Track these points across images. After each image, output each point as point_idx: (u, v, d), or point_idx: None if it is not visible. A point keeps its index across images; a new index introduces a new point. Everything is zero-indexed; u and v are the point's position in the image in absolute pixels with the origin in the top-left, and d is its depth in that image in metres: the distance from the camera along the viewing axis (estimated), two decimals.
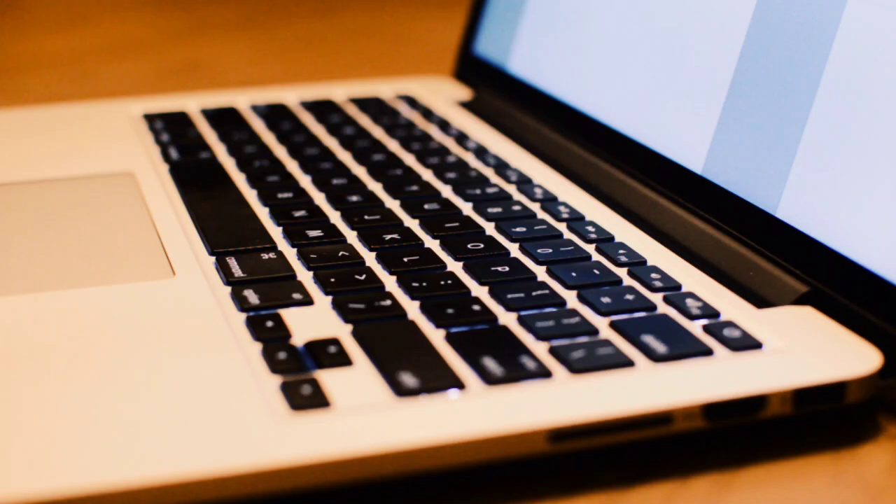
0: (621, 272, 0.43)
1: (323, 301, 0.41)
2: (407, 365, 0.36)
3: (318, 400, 0.34)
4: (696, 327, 0.39)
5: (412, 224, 0.48)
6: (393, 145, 0.58)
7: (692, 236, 0.47)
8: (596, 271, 0.43)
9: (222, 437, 0.33)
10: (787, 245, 0.43)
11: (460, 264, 0.44)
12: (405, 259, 0.43)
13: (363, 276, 0.42)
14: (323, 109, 0.64)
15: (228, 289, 0.42)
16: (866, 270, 0.40)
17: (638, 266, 0.44)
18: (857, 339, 0.38)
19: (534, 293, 0.41)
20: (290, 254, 0.44)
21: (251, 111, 0.64)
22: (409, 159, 0.56)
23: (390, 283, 0.42)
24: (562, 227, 0.48)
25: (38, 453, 0.32)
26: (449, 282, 0.42)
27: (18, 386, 0.35)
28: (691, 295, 0.41)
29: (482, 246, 0.45)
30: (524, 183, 0.53)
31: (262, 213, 0.49)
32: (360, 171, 0.54)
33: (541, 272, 0.43)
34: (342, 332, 0.38)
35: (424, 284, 0.41)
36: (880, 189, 0.40)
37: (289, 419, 0.34)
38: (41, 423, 0.33)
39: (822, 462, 0.36)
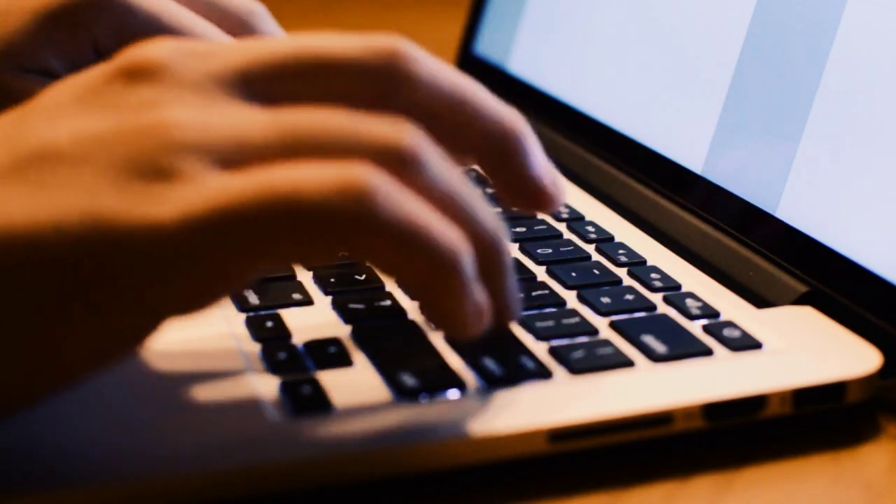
0: (621, 272, 0.43)
1: (323, 301, 0.41)
2: (407, 365, 0.36)
3: (318, 400, 0.34)
4: (695, 327, 0.39)
5: None
6: None
7: (692, 236, 0.47)
8: (596, 271, 0.43)
9: (222, 438, 0.33)
10: (787, 245, 0.43)
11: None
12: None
13: (363, 277, 0.42)
14: None
15: None
16: (866, 270, 0.40)
17: (638, 266, 0.44)
18: (857, 339, 0.38)
19: (534, 293, 0.41)
20: None
21: None
22: None
23: (390, 283, 0.42)
24: (562, 227, 0.48)
25: (40, 455, 0.32)
26: None
27: None
28: (691, 295, 0.41)
29: None
30: None
31: None
32: None
33: (541, 272, 0.43)
34: (342, 332, 0.38)
35: None
36: (880, 189, 0.40)
37: (289, 419, 0.34)
38: (41, 424, 0.33)
39: (822, 462, 0.36)
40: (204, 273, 0.29)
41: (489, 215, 0.33)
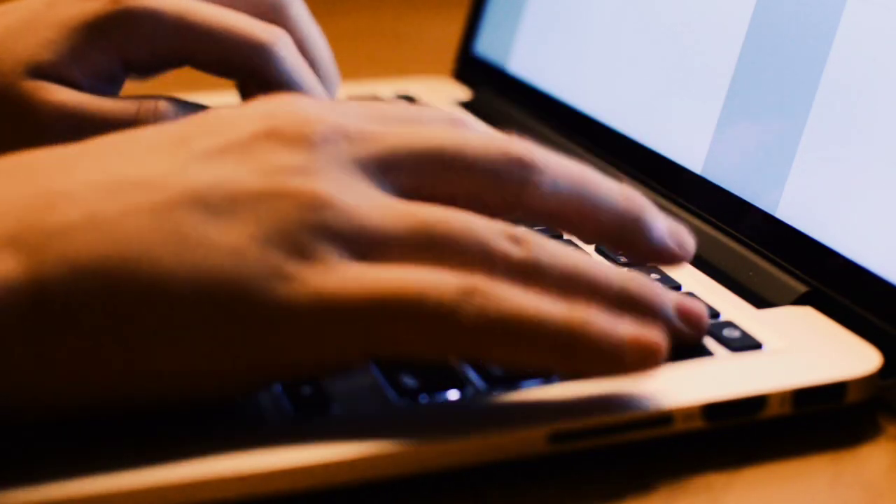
0: None
1: None
2: (407, 365, 0.36)
3: (318, 401, 0.34)
4: None
5: None
6: None
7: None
8: None
9: (222, 439, 0.33)
10: (787, 245, 0.43)
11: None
12: None
13: None
14: None
15: None
16: (866, 270, 0.40)
17: (637, 266, 0.44)
18: (857, 339, 0.38)
19: None
20: None
21: None
22: None
23: None
24: None
25: (44, 456, 0.32)
26: None
27: None
28: (691, 295, 0.41)
29: None
30: None
31: None
32: None
33: None
34: None
35: None
36: (880, 189, 0.40)
37: (289, 421, 0.34)
38: (46, 426, 0.33)
39: (822, 462, 0.36)
40: (318, 352, 0.32)
41: (610, 268, 0.35)
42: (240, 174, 0.32)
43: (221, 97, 0.67)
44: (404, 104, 0.37)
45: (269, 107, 0.34)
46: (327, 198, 0.32)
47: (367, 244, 0.32)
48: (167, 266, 0.30)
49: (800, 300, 0.41)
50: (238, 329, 0.31)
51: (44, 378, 0.31)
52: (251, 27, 0.44)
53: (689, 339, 0.36)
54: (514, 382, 0.35)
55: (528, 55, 0.64)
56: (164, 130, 0.34)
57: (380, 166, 0.34)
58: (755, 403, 0.36)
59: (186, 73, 0.47)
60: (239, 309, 0.31)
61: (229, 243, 0.31)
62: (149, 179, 0.32)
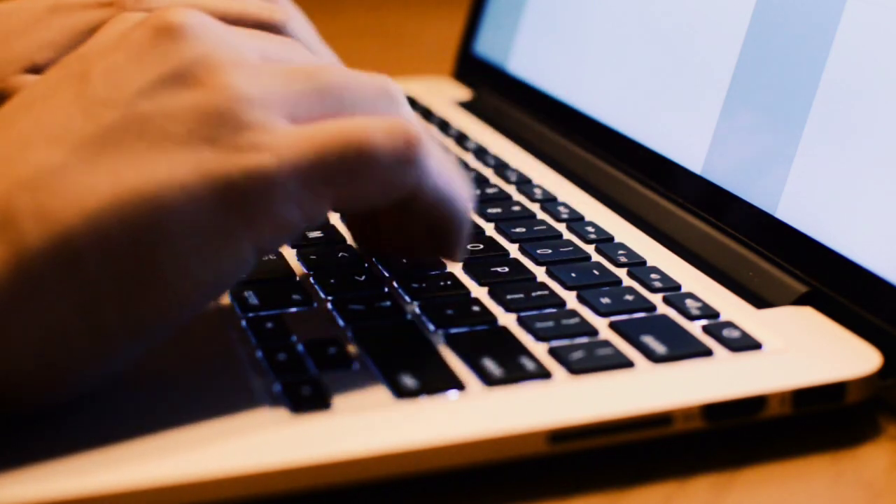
0: (621, 273, 0.43)
1: (323, 302, 0.41)
2: (407, 366, 0.36)
3: (318, 401, 0.34)
4: (695, 328, 0.39)
5: None
6: None
7: (692, 236, 0.47)
8: (595, 272, 0.43)
9: (222, 439, 0.33)
10: (786, 245, 0.43)
11: (460, 265, 0.44)
12: (404, 260, 0.43)
13: (363, 278, 0.42)
14: None
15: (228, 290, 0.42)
16: (866, 270, 0.40)
17: (637, 266, 0.44)
18: (857, 339, 0.38)
19: (533, 294, 0.41)
20: (291, 255, 0.44)
21: None
22: None
23: (390, 284, 0.42)
24: (561, 227, 0.48)
25: (44, 456, 0.32)
26: (448, 283, 0.42)
27: None
28: (691, 295, 0.41)
29: (482, 246, 0.45)
30: (524, 183, 0.53)
31: None
32: None
33: (540, 273, 0.43)
34: (342, 333, 0.39)
35: (424, 285, 0.42)
36: (880, 189, 0.40)
37: (289, 420, 0.34)
38: (42, 427, 0.33)
39: (822, 462, 0.36)
40: (297, 211, 0.33)
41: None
42: (162, 84, 0.33)
43: None
44: None
45: (150, 16, 0.36)
46: (238, 76, 0.33)
47: (287, 103, 0.34)
48: (156, 186, 0.31)
49: (800, 300, 0.41)
50: (233, 215, 0.32)
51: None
52: (260, 9, 0.45)
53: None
54: (513, 383, 0.35)
55: (528, 55, 0.64)
56: (58, 76, 0.35)
57: (253, 41, 0.35)
58: (755, 403, 0.36)
59: None
60: (226, 194, 0.32)
61: (181, 144, 0.32)
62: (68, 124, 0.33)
